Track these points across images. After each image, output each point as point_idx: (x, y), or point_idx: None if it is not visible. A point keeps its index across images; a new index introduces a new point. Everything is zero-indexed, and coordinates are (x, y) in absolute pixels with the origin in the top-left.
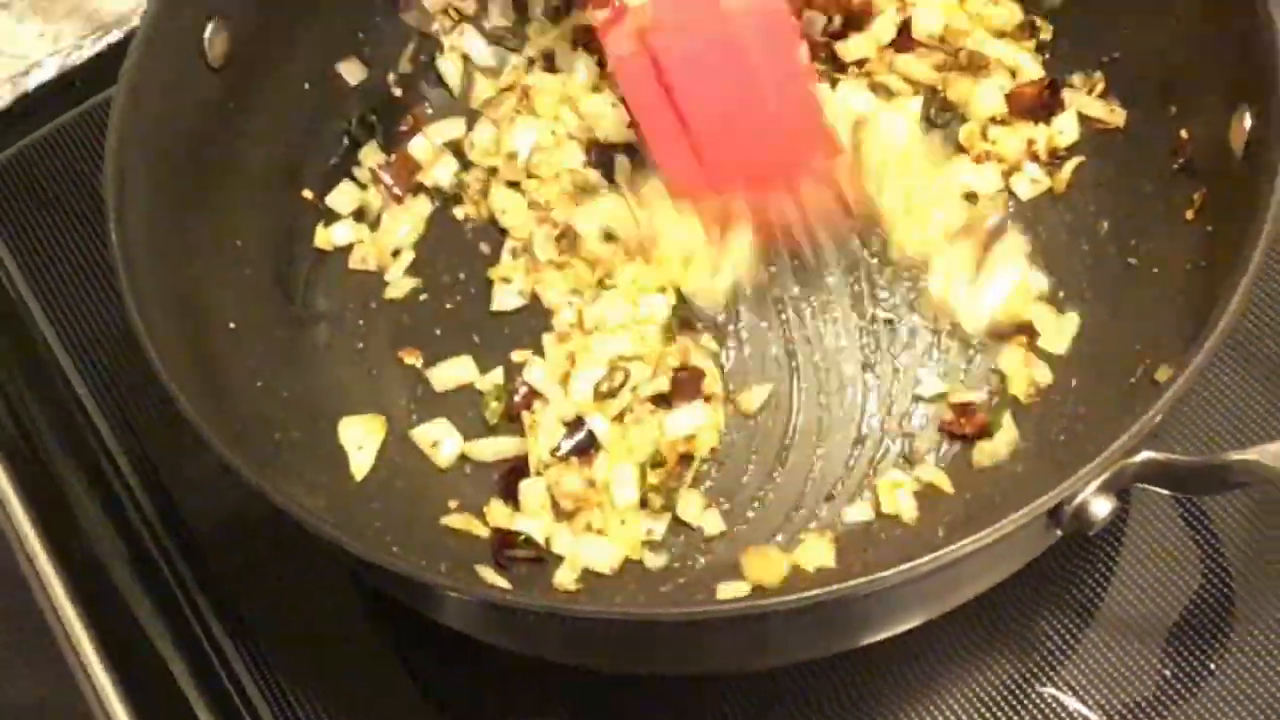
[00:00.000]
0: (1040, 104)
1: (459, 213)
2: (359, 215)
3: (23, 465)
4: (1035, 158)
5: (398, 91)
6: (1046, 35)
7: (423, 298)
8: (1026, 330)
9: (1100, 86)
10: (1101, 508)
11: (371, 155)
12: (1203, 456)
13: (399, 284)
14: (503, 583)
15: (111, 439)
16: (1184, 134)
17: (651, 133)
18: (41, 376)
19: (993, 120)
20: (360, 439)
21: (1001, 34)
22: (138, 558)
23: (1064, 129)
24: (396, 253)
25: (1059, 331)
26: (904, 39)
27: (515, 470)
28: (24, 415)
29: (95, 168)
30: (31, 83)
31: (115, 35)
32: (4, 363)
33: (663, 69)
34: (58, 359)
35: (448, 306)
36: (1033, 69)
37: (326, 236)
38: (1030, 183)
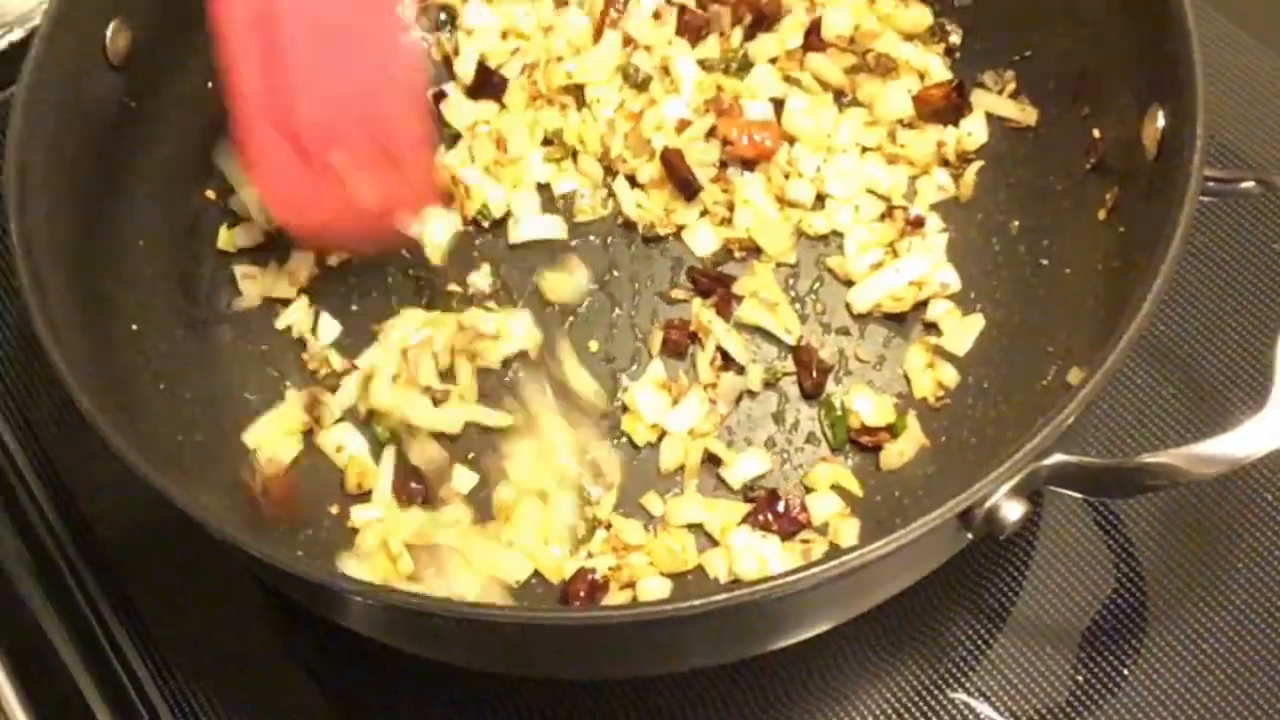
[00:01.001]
0: (948, 106)
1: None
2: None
3: None
4: (945, 161)
5: None
6: (956, 39)
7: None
8: (931, 330)
9: (1011, 86)
10: (1013, 511)
11: None
12: (1116, 459)
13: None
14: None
15: (12, 440)
16: (1096, 133)
17: (240, 85)
18: None
19: (901, 123)
20: (272, 451)
21: (911, 37)
22: (39, 560)
23: (973, 130)
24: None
25: (962, 332)
26: (815, 40)
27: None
28: None
29: None
30: None
31: (17, 33)
32: None
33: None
34: None
35: (353, 309)
36: (941, 72)
37: (229, 238)
38: (936, 189)
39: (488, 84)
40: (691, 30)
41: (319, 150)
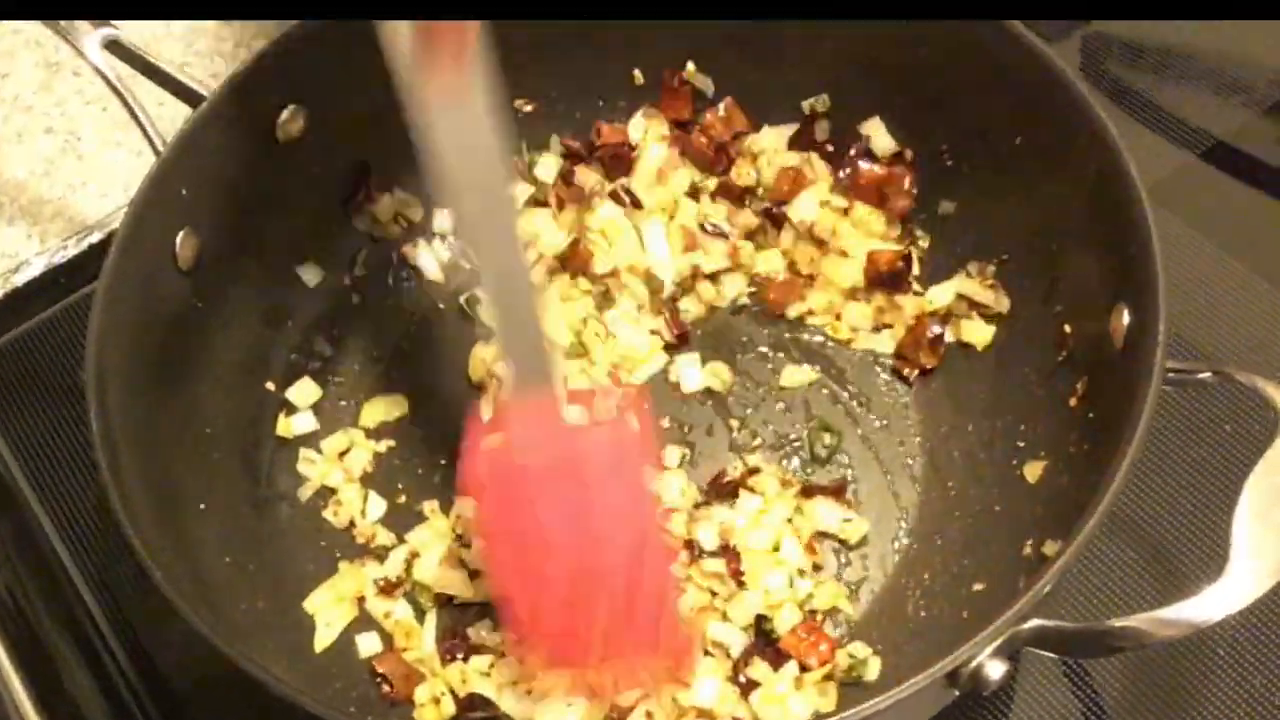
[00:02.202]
0: (893, 274)
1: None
2: (317, 408)
3: (15, 630)
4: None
5: (355, 299)
6: (925, 244)
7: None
8: None
9: (990, 281)
10: (995, 670)
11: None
12: (1087, 624)
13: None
14: None
15: (95, 605)
16: (1067, 329)
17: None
18: (32, 549)
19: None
20: (329, 617)
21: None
22: (117, 709)
23: (935, 298)
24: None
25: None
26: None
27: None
28: (15, 585)
29: (79, 357)
30: (20, 279)
31: (96, 236)
32: None
33: (518, 482)
34: (46, 532)
35: (399, 486)
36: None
37: (287, 426)
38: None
39: None
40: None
41: (570, 607)
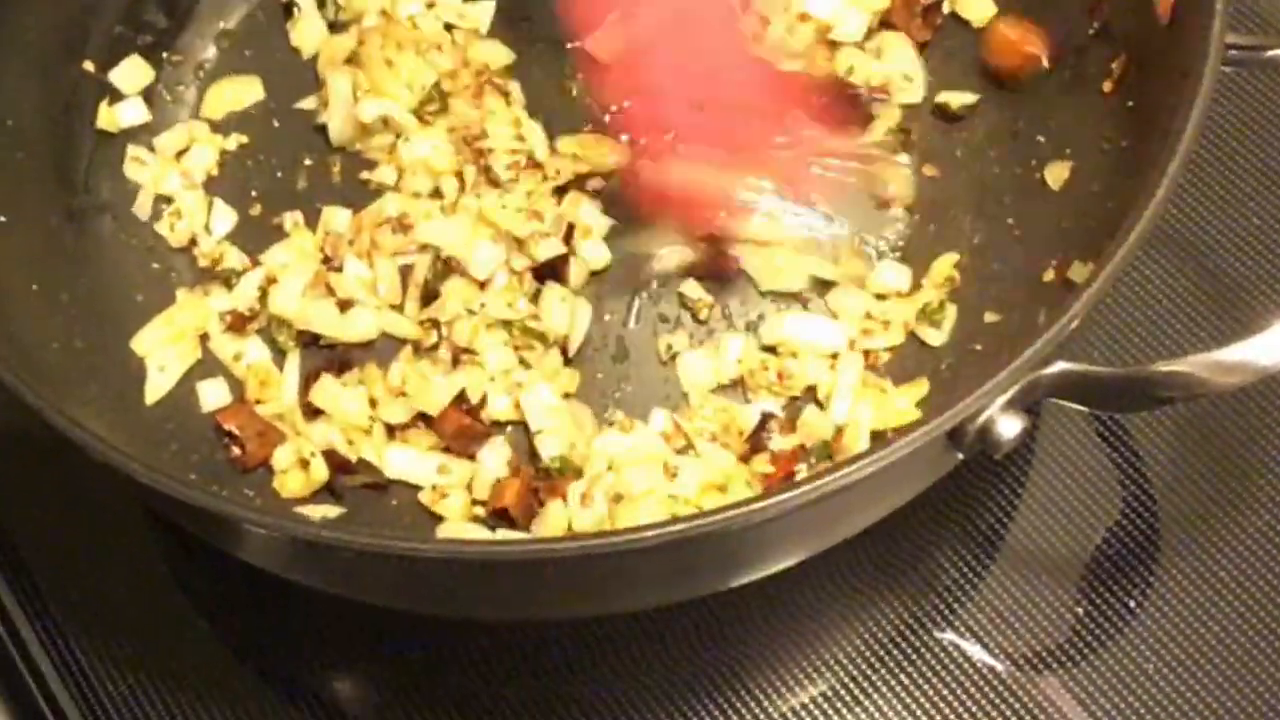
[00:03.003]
0: None
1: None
2: (148, 95)
3: None
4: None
5: None
6: None
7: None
8: None
9: None
10: (1009, 427)
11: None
12: (1125, 368)
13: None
14: (330, 512)
15: None
16: None
17: None
18: None
19: None
20: (163, 360)
21: None
22: None
23: None
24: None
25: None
26: None
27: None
28: None
29: None
30: None
31: None
32: None
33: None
34: None
35: (251, 194)
36: None
37: (111, 117)
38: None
39: None
40: None
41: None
